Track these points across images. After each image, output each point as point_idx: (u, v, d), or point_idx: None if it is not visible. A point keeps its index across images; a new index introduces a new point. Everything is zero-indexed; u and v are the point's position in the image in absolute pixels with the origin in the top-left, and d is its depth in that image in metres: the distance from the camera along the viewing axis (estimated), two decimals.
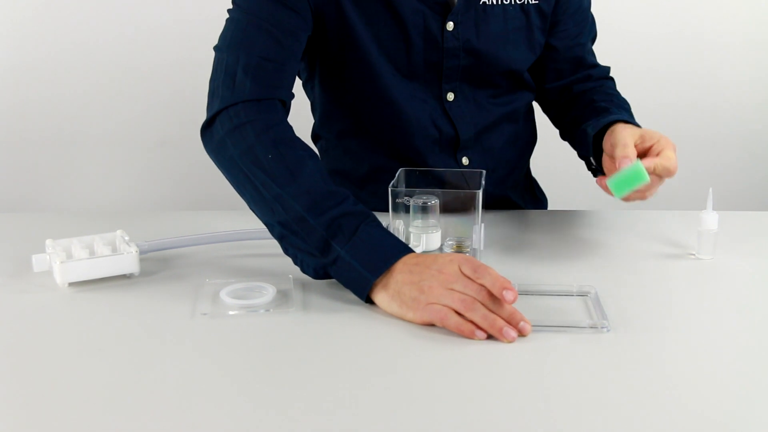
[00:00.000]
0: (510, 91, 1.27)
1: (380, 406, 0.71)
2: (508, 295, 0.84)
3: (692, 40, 1.98)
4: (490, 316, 0.83)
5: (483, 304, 0.84)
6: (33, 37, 1.85)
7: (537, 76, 1.30)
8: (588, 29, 1.30)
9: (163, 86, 1.89)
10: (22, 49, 1.85)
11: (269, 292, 0.93)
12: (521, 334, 0.84)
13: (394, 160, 1.24)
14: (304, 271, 0.97)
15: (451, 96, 1.21)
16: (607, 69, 1.33)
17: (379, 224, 0.94)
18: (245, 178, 0.99)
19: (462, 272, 0.87)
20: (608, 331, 0.85)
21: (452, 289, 0.86)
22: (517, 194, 1.35)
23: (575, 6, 1.26)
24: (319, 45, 1.17)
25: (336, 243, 0.91)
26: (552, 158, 1.54)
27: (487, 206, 1.28)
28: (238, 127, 1.01)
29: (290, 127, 1.04)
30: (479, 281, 0.86)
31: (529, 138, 1.36)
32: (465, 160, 1.25)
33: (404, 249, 0.92)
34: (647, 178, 0.96)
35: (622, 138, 1.02)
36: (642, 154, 1.02)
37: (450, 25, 1.16)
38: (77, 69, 1.87)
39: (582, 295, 0.94)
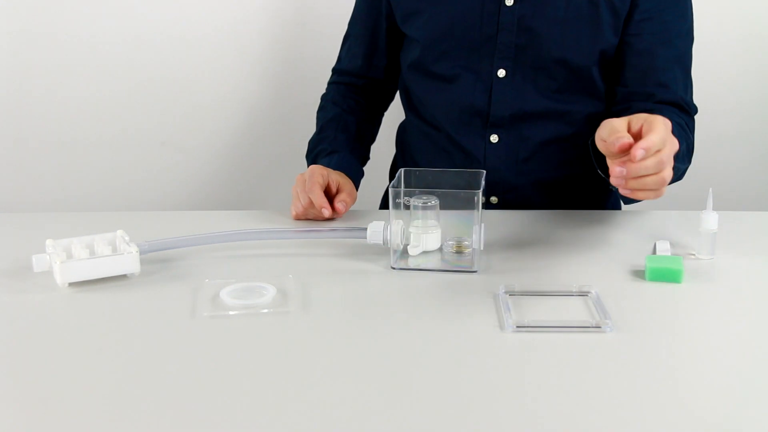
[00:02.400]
0: (569, 89, 1.25)
1: (380, 406, 0.71)
2: (325, 213, 1.16)
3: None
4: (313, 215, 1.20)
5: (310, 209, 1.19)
6: (33, 38, 1.85)
7: (606, 81, 1.27)
8: (668, 46, 1.23)
9: (164, 86, 1.89)
10: (23, 49, 1.85)
11: (269, 292, 0.93)
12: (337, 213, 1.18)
13: (431, 127, 1.35)
14: None
15: (502, 73, 1.24)
16: (682, 99, 1.23)
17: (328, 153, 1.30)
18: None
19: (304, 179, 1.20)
20: (611, 330, 0.85)
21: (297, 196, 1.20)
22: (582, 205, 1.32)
23: (651, 14, 1.22)
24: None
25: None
26: None
27: (505, 201, 1.28)
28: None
29: (335, 99, 1.40)
30: (308, 194, 1.17)
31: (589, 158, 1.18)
32: (494, 138, 1.28)
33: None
34: (681, 280, 0.97)
35: (610, 124, 0.94)
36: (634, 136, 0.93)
37: (509, 1, 1.21)
38: (77, 69, 1.86)
39: (582, 295, 0.94)
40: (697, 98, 1.23)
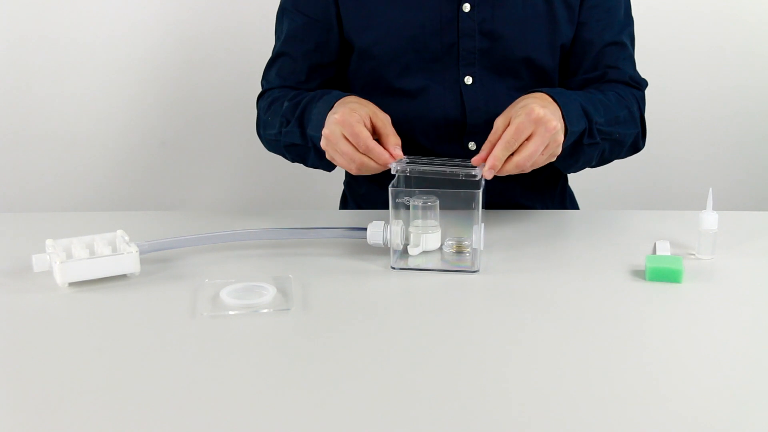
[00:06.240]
0: (533, 86, 1.26)
1: (380, 406, 0.71)
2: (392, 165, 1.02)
3: (691, 39, 1.98)
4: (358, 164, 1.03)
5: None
6: (34, 37, 1.85)
7: (561, 73, 1.30)
8: (614, 29, 1.27)
9: (164, 86, 1.89)
10: (23, 48, 1.85)
11: (269, 292, 0.93)
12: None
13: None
14: (326, 168, 1.21)
15: (469, 80, 1.23)
16: (631, 78, 1.28)
17: (321, 95, 1.14)
18: (275, 142, 1.24)
19: (344, 137, 1.02)
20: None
21: (336, 150, 1.04)
22: (534, 198, 1.34)
23: (597, 1, 1.25)
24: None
25: (307, 130, 1.14)
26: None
27: (492, 203, 1.28)
28: (258, 118, 1.31)
29: (282, 91, 1.27)
30: (367, 154, 1.02)
31: None
32: (472, 145, 1.26)
33: (326, 107, 1.09)
34: (681, 280, 0.97)
35: (498, 118, 1.05)
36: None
37: (466, 7, 1.20)
38: (78, 69, 1.87)
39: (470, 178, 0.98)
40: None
